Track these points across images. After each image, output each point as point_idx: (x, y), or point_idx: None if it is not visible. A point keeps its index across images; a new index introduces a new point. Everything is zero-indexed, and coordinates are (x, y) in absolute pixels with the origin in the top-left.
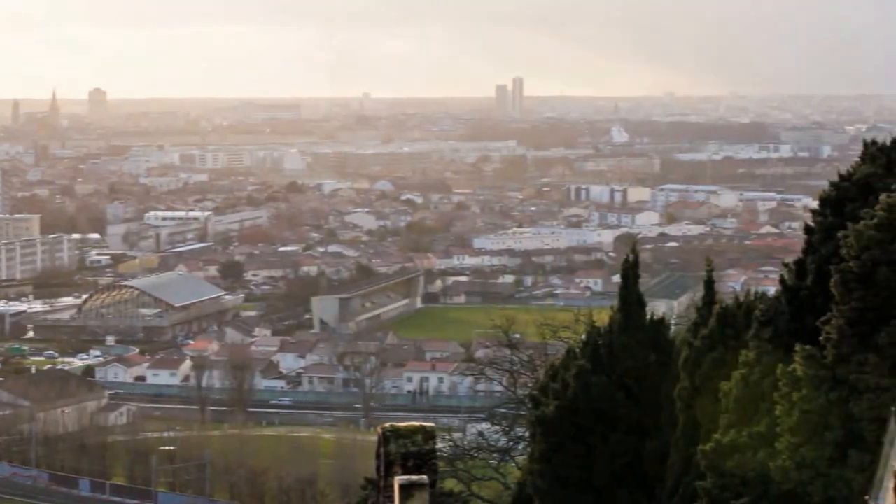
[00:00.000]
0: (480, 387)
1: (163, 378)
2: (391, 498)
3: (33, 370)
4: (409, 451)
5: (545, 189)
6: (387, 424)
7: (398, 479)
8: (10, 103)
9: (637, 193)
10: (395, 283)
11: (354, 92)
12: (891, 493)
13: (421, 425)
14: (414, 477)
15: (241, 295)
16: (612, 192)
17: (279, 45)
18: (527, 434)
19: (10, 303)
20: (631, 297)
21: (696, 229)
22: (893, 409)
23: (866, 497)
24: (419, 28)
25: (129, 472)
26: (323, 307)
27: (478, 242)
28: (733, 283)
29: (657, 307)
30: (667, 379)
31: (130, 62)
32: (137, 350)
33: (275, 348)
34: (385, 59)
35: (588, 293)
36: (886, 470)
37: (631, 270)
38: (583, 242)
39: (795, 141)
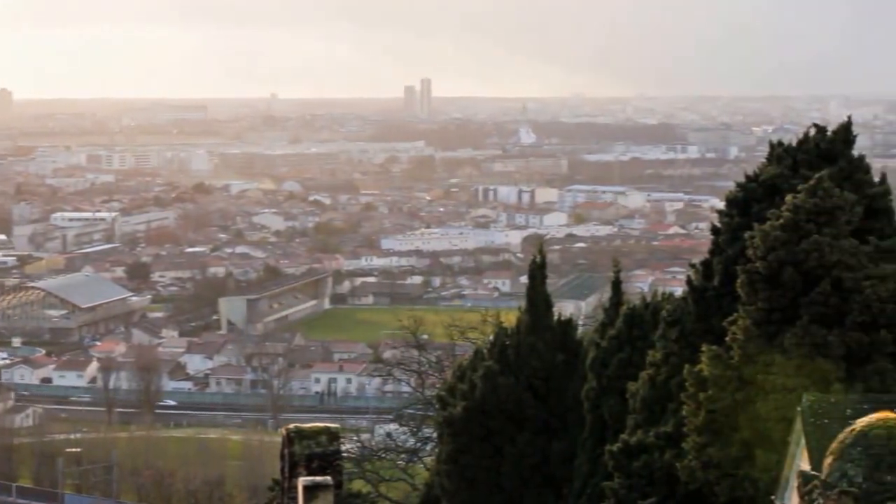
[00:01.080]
0: (388, 388)
1: (70, 379)
2: (295, 499)
3: None
4: (313, 453)
5: (453, 190)
6: (291, 426)
7: (302, 481)
8: None
9: (545, 194)
10: (303, 284)
11: (262, 93)
12: (796, 492)
13: (325, 426)
14: (318, 478)
15: (149, 296)
16: (520, 192)
17: (186, 46)
18: (434, 435)
19: None
20: (538, 298)
21: (603, 230)
22: (799, 409)
23: (772, 497)
24: (326, 28)
25: (36, 474)
26: (230, 308)
27: (386, 243)
28: (641, 284)
29: (565, 308)
30: (574, 379)
31: (37, 63)
32: (44, 351)
33: (182, 349)
34: (292, 60)
35: (496, 294)
36: (792, 470)
37: (538, 271)
38: (490, 243)
39: (703, 142)
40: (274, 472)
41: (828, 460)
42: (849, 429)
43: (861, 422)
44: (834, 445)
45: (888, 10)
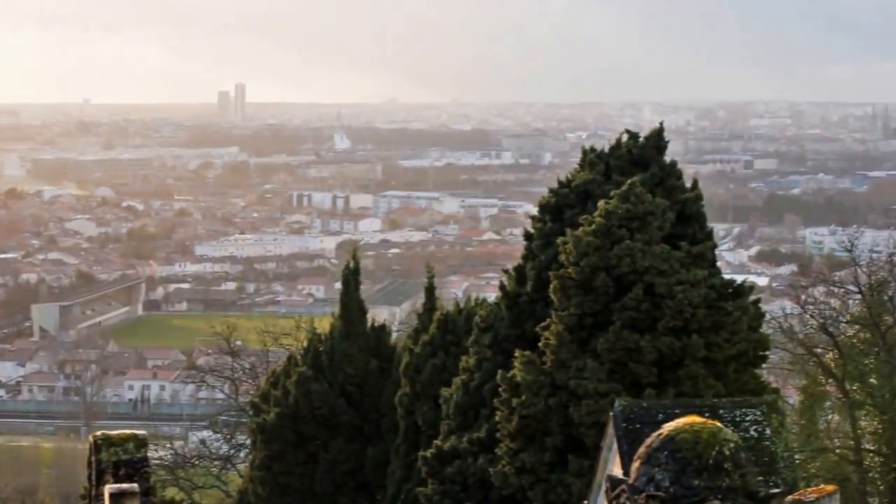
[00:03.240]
0: (202, 394)
1: None
2: None
3: None
4: (120, 460)
5: (267, 196)
6: (99, 433)
7: (108, 488)
8: None
9: (359, 200)
10: (117, 291)
11: (75, 98)
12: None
13: (133, 433)
14: (124, 485)
15: None
16: (335, 198)
17: None
18: (248, 441)
19: None
20: (352, 304)
21: (418, 236)
22: (611, 413)
23: (585, 502)
24: (139, 33)
25: None
26: (43, 315)
27: (200, 249)
28: (455, 290)
29: (379, 314)
30: (388, 385)
31: None
32: None
33: None
34: (106, 65)
35: (310, 300)
36: (604, 475)
37: (352, 277)
38: (305, 249)
39: (517, 148)
40: (86, 480)
41: (635, 465)
42: (656, 433)
43: (668, 426)
44: (641, 450)
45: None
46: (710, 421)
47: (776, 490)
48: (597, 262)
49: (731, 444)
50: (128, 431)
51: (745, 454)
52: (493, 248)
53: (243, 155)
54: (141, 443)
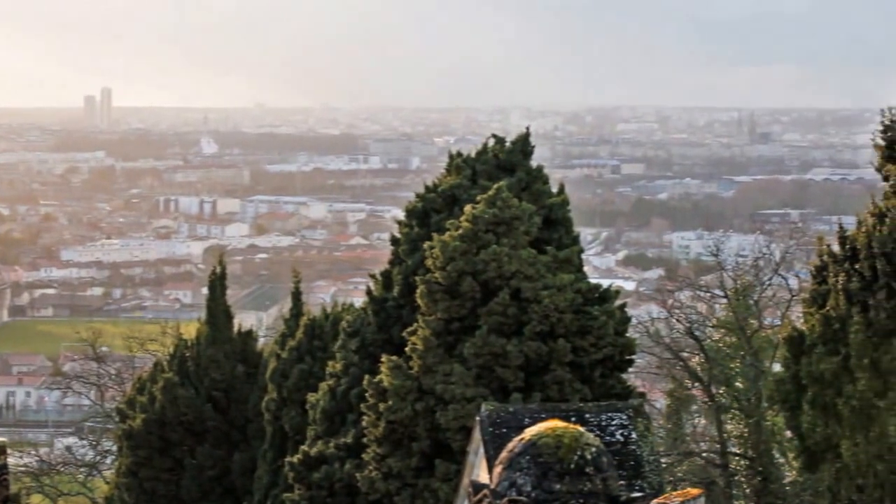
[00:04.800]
0: (69, 401)
1: None
2: None
3: None
4: None
5: (134, 200)
6: None
7: None
8: None
9: (227, 205)
10: None
11: None
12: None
13: None
14: None
15: None
16: (202, 203)
17: None
18: (114, 448)
19: None
20: (218, 310)
21: (285, 241)
22: (478, 418)
23: None
24: (3, 37)
25: None
26: None
27: (66, 254)
28: (323, 295)
29: (246, 319)
30: (255, 391)
31: None
32: None
33: None
34: None
35: (178, 305)
36: (472, 479)
37: (218, 282)
38: (172, 254)
39: (385, 152)
40: None
41: (497, 469)
42: (518, 438)
43: (530, 431)
44: (503, 455)
45: (570, 23)
46: (571, 425)
47: (638, 494)
48: (463, 267)
49: (593, 449)
50: None
51: (607, 458)
52: (361, 253)
53: (110, 159)
54: (0, 449)
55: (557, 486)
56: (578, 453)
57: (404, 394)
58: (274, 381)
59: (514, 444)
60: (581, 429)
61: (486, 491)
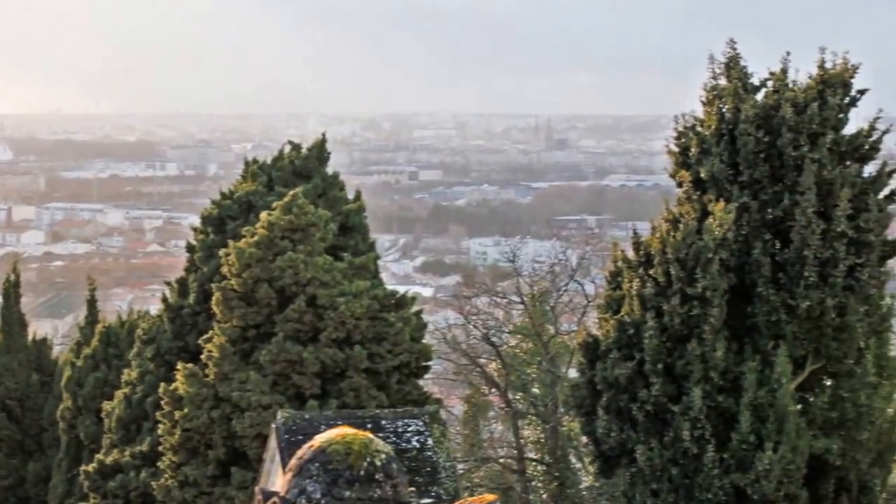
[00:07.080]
0: None
1: None
2: None
3: None
4: None
5: None
6: None
7: None
8: None
9: (22, 212)
10: None
11: None
12: None
13: None
14: None
15: None
16: None
17: None
18: None
19: None
20: (13, 318)
21: (82, 248)
22: (273, 425)
23: None
24: None
25: None
26: None
27: None
28: (120, 303)
29: (42, 327)
30: (50, 399)
31: None
32: None
33: None
34: None
35: None
36: (267, 486)
37: (13, 290)
38: None
39: (182, 159)
40: None
41: (287, 476)
42: (307, 445)
43: (320, 437)
44: (293, 462)
45: (366, 30)
46: (361, 432)
47: (429, 500)
48: (259, 274)
49: (383, 455)
50: None
51: (398, 465)
52: (158, 260)
53: None
54: None
55: (347, 493)
56: (368, 460)
57: (200, 401)
58: (69, 390)
59: (303, 451)
60: (371, 435)
61: (275, 499)
